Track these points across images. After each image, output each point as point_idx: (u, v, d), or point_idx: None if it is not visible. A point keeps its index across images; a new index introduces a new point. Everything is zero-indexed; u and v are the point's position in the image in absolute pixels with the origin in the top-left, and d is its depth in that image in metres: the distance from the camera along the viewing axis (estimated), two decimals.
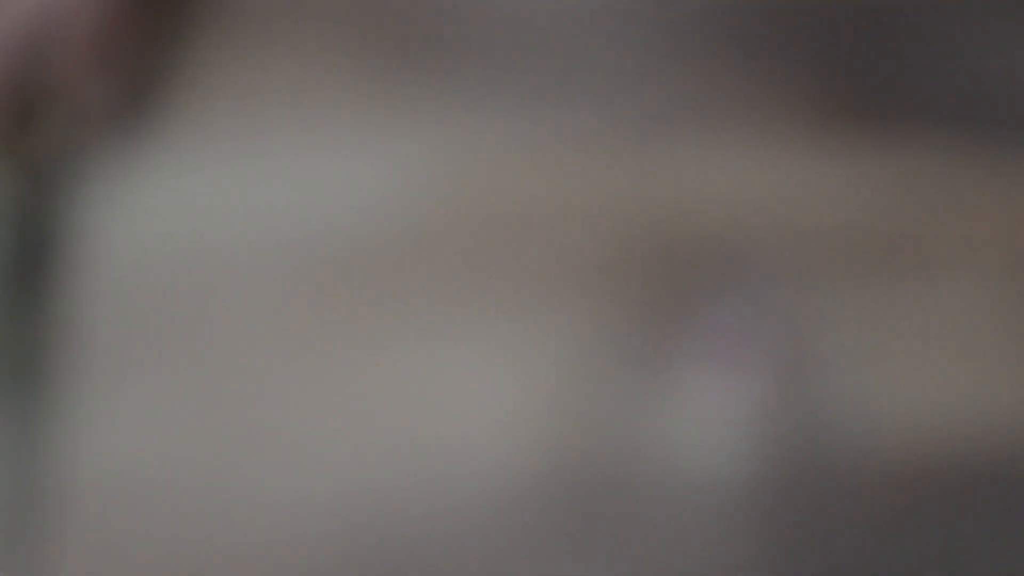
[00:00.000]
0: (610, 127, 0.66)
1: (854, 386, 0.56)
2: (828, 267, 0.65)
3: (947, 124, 0.67)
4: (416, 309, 0.64)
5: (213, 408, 0.62)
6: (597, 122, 0.66)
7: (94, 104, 0.61)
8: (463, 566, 0.61)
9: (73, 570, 0.60)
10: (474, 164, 0.66)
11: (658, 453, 0.52)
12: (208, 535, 0.61)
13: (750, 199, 0.66)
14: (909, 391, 0.64)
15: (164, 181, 0.65)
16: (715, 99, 0.67)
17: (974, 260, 0.66)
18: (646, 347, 0.54)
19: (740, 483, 0.51)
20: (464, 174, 0.66)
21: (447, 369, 0.63)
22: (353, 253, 0.64)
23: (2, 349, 0.62)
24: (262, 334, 0.63)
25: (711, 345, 0.48)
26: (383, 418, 0.63)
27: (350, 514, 0.61)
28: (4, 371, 0.62)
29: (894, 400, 0.64)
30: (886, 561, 0.62)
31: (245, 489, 0.61)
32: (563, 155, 0.66)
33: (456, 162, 0.66)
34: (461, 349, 0.64)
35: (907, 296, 0.65)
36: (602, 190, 0.66)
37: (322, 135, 0.66)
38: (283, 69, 0.66)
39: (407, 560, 0.61)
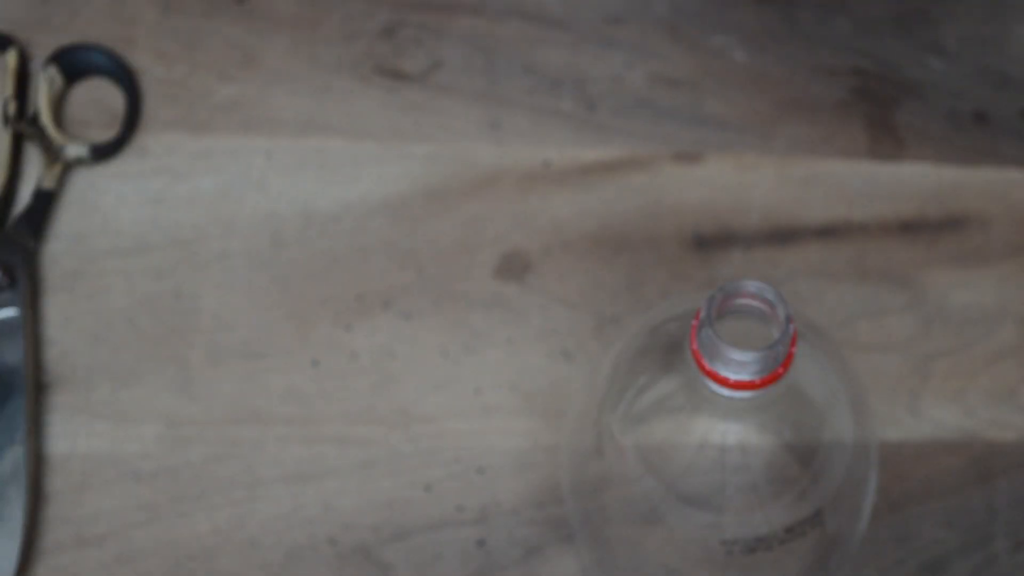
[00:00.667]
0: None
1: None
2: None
3: None
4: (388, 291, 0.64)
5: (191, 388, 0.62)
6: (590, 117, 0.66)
7: None
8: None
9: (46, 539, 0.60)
10: (451, 154, 0.66)
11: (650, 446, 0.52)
12: (184, 513, 0.61)
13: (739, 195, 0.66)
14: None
15: (147, 172, 0.65)
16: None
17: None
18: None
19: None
20: (442, 166, 0.66)
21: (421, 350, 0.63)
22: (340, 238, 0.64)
23: None
24: (237, 313, 0.63)
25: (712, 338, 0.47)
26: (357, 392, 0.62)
27: (326, 493, 0.61)
28: None
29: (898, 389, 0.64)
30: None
31: (220, 467, 0.61)
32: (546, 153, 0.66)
33: (432, 155, 0.66)
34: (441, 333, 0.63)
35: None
36: (595, 185, 0.66)
37: (314, 131, 0.66)
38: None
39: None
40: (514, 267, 0.64)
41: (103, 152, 0.64)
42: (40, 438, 0.61)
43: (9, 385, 0.61)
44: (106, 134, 0.65)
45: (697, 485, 0.51)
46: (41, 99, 0.64)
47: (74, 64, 0.65)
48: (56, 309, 0.63)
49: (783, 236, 0.65)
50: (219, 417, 0.62)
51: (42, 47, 0.65)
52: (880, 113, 0.67)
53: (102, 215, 0.64)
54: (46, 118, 0.64)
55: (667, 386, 0.51)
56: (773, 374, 0.47)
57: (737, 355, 0.47)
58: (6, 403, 0.60)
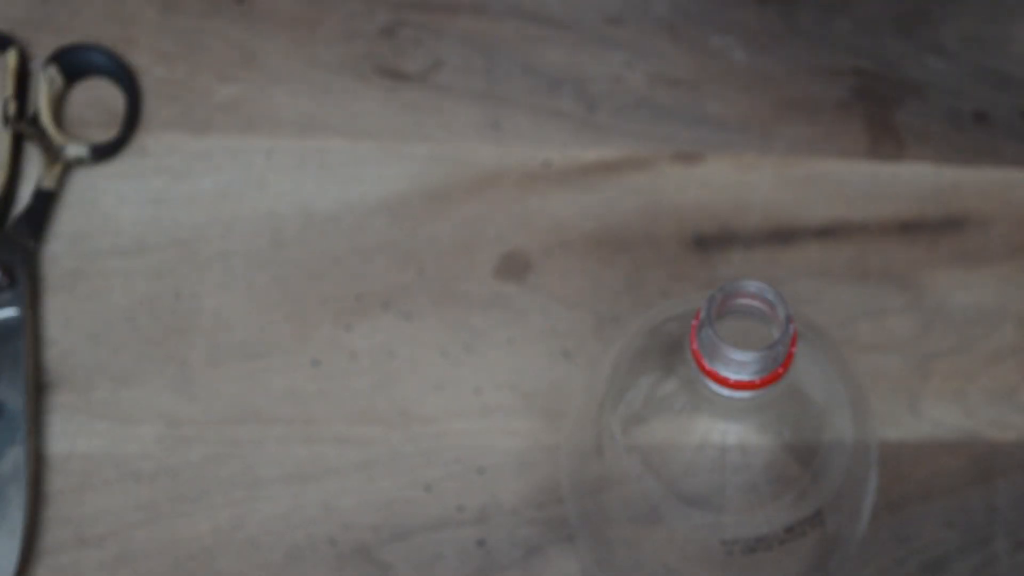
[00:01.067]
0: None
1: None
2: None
3: None
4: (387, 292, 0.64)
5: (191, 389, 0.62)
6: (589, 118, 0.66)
7: None
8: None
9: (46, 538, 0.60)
10: (451, 155, 0.66)
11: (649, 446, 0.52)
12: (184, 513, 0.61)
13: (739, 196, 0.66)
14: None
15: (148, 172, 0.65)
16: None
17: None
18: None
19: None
20: (442, 166, 0.66)
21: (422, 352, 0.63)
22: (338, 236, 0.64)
23: None
24: (237, 312, 0.63)
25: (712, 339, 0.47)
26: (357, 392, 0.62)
27: (324, 493, 0.61)
28: None
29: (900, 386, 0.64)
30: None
31: (222, 466, 0.61)
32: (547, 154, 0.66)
33: (432, 156, 0.66)
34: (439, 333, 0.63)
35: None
36: (595, 185, 0.66)
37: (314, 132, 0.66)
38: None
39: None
40: (514, 267, 0.64)
41: (103, 152, 0.64)
42: (40, 438, 0.61)
43: (9, 385, 0.61)
44: (106, 134, 0.65)
45: (697, 485, 0.51)
46: (41, 99, 0.64)
47: (74, 64, 0.65)
48: (56, 309, 0.63)
49: (783, 236, 0.65)
50: (219, 417, 0.62)
51: (42, 47, 0.65)
52: (880, 113, 0.67)
53: (102, 215, 0.64)
54: (46, 118, 0.64)
55: (667, 386, 0.51)
56: (773, 374, 0.47)
57: (737, 355, 0.47)
58: (6, 403, 0.60)
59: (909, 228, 0.66)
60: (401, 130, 0.66)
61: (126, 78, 0.65)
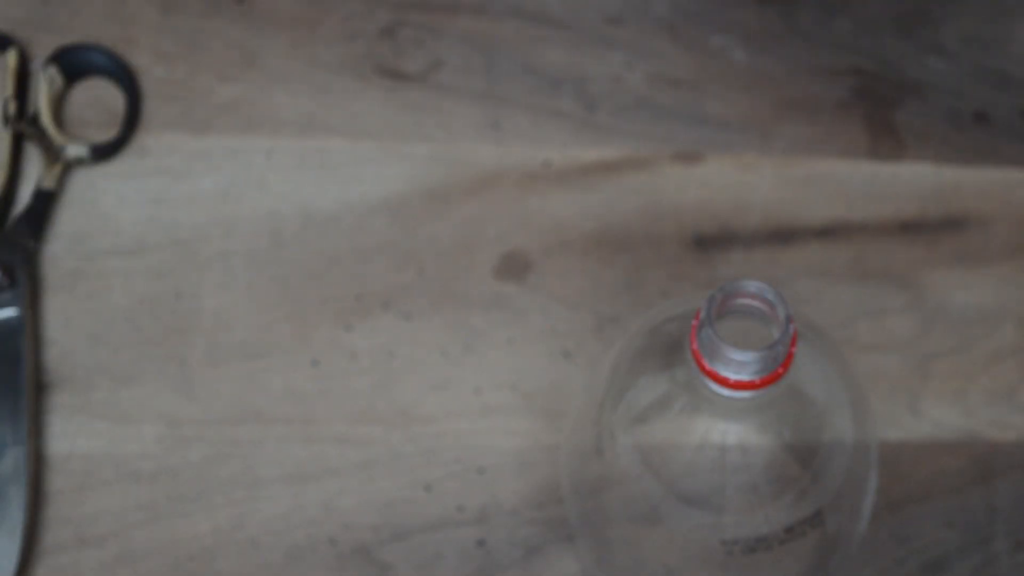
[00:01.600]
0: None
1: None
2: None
3: None
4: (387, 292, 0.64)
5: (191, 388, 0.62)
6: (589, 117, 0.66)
7: None
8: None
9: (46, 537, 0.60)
10: (450, 155, 0.66)
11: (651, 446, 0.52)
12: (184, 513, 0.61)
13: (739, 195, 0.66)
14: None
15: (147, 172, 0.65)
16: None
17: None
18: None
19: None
20: (441, 165, 0.66)
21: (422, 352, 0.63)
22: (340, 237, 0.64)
23: None
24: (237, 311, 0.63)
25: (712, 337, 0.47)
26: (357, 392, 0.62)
27: (324, 493, 0.61)
28: None
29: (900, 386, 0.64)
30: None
31: (221, 466, 0.61)
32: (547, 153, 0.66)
33: (429, 157, 0.66)
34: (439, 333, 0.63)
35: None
36: (595, 185, 0.66)
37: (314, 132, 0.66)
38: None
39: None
40: (514, 267, 0.64)
41: (103, 152, 0.64)
42: (40, 438, 0.61)
43: (9, 385, 0.61)
44: (106, 134, 0.65)
45: (697, 485, 0.51)
46: (41, 99, 0.64)
47: (74, 64, 0.65)
48: (56, 309, 0.63)
49: (783, 236, 0.65)
50: (219, 417, 0.62)
51: (42, 47, 0.65)
52: (880, 113, 0.67)
53: (102, 215, 0.64)
54: (46, 118, 0.64)
55: (667, 386, 0.51)
56: (773, 374, 0.47)
57: (737, 355, 0.47)
58: (6, 403, 0.60)
59: (909, 228, 0.66)
60: (401, 130, 0.66)
61: (126, 78, 0.65)
